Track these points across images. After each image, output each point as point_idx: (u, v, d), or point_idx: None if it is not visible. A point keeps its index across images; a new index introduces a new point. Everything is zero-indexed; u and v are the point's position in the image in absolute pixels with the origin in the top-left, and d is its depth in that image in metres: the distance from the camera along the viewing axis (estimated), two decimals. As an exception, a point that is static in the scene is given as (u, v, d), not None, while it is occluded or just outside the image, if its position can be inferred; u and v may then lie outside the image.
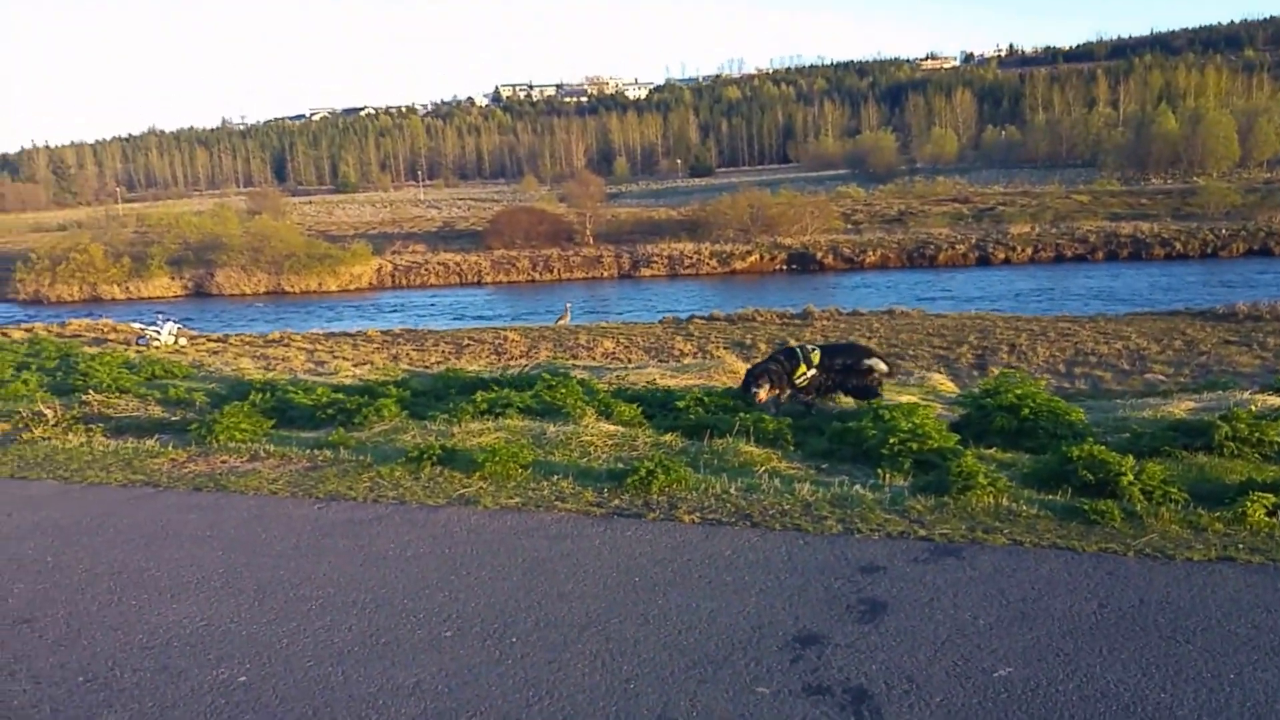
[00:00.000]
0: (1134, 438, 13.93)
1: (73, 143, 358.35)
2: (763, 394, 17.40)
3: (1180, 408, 18.12)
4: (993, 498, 10.77)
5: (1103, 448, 11.69)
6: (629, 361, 43.97)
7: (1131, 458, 11.37)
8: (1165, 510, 10.15)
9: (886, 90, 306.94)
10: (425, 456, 13.54)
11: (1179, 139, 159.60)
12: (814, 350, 18.43)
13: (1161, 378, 39.94)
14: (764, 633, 8.03)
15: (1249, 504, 9.97)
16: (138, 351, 44.81)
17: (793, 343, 21.57)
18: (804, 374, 17.95)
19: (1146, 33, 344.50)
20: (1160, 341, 49.56)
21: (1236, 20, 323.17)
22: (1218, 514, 10.05)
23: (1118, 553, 9.22)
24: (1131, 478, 10.78)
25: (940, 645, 7.62)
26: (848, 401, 18.44)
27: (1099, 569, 8.87)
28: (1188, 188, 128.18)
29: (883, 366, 18.95)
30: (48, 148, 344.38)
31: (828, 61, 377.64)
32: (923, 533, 10.01)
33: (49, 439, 17.11)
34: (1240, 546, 9.35)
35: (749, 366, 19.56)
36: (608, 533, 10.64)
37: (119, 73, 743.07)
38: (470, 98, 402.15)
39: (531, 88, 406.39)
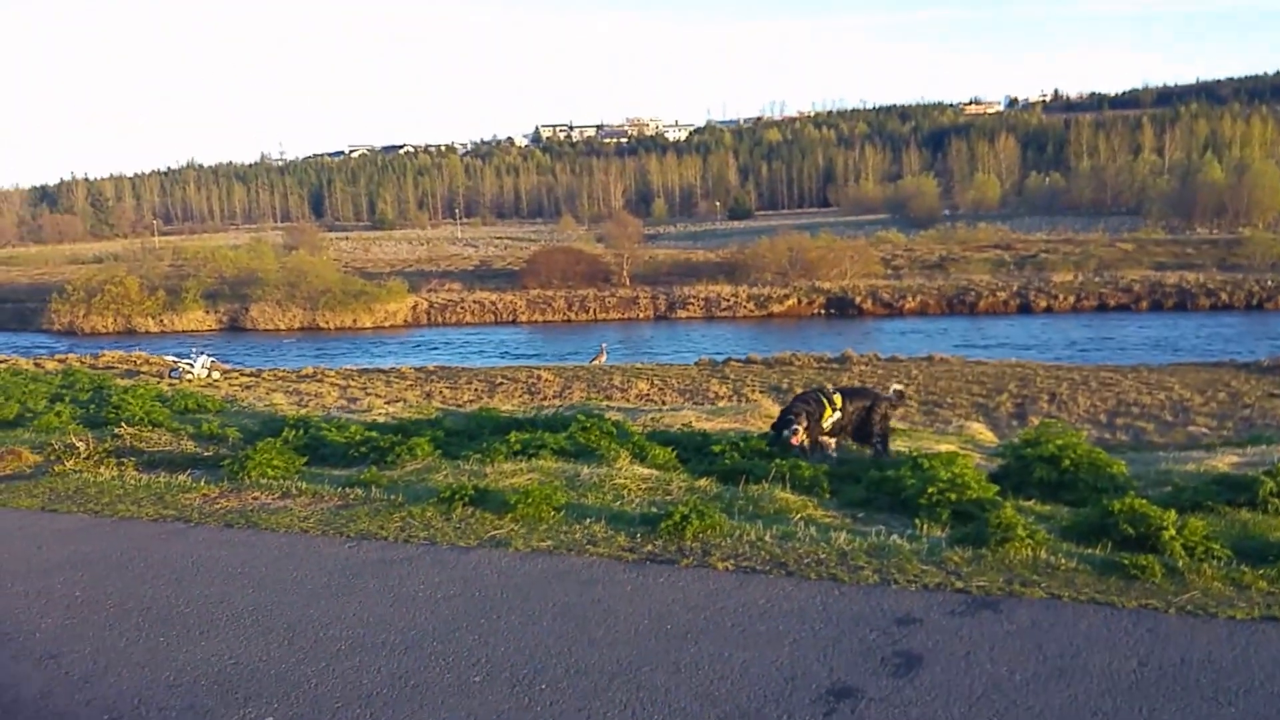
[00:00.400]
0: (1176, 492, 13.85)
1: (111, 175, 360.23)
2: (800, 436, 17.26)
3: (1224, 462, 18.04)
4: (1031, 550, 10.65)
5: (1144, 501, 11.60)
6: (663, 403, 44.00)
7: (1173, 512, 11.27)
8: (1208, 567, 10.03)
9: (929, 135, 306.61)
10: (457, 497, 13.50)
11: (1225, 188, 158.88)
12: (835, 394, 18.32)
13: (1205, 430, 39.74)
14: (797, 684, 7.98)
15: (1294, 562, 9.88)
16: (170, 384, 45.11)
17: (829, 386, 21.38)
18: (830, 418, 17.84)
19: (1193, 81, 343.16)
20: (1204, 393, 49.37)
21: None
22: (1262, 572, 9.89)
23: (1158, 609, 9.12)
24: (1173, 533, 10.69)
25: (976, 700, 7.56)
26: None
27: (1139, 626, 8.79)
28: (1233, 238, 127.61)
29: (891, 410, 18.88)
30: (86, 180, 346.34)
31: (869, 105, 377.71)
32: (960, 585, 9.91)
33: (81, 472, 17.15)
34: (1285, 606, 9.24)
35: (802, 396, 19.30)
36: (640, 579, 10.58)
37: (159, 106, 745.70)
38: (510, 137, 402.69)
39: (571, 128, 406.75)
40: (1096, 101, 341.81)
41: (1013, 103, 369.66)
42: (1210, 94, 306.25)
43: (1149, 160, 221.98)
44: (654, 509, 13.02)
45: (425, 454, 17.52)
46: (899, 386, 20.63)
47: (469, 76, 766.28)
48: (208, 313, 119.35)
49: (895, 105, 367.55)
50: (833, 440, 17.92)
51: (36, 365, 61.20)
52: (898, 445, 19.55)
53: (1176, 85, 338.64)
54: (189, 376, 60.81)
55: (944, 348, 74.68)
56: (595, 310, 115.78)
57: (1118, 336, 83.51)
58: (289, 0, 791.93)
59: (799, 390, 47.58)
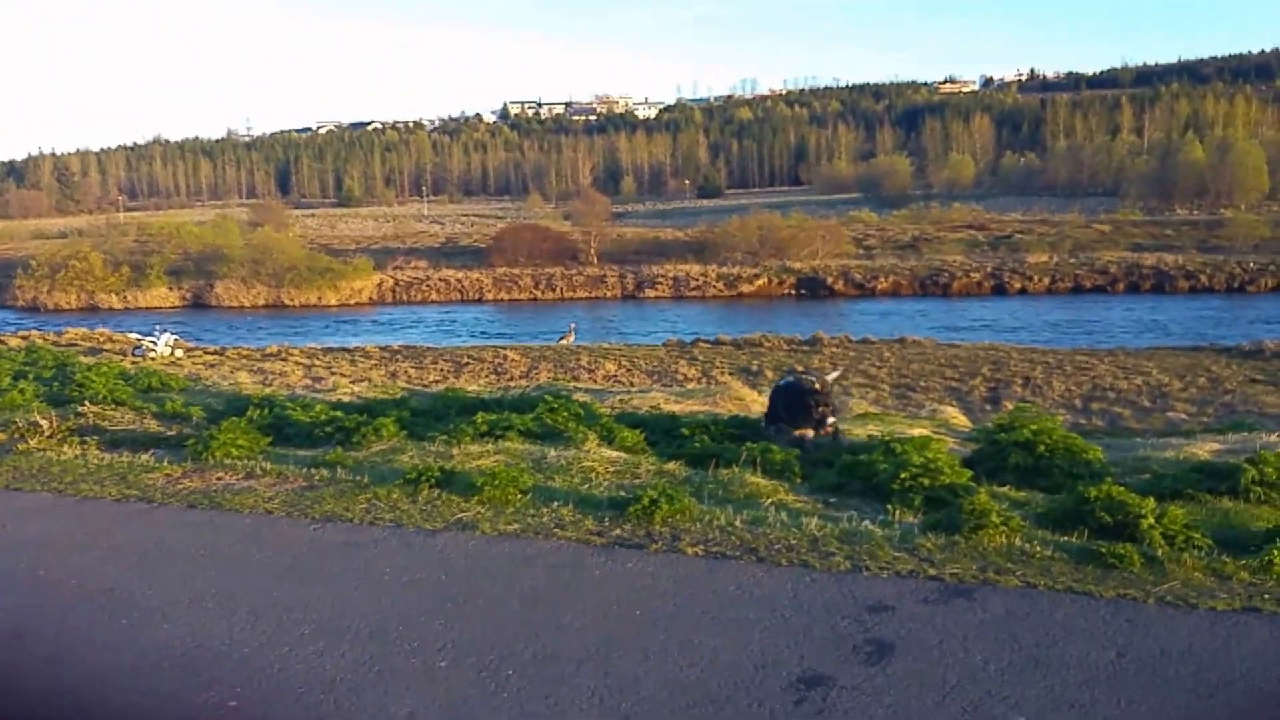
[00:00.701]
0: (1155, 479, 13.86)
1: (78, 150, 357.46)
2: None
3: (1204, 449, 18.08)
4: (1006, 537, 10.66)
5: (1121, 489, 11.60)
6: (631, 385, 44.00)
7: (1152, 500, 11.28)
8: (1188, 556, 10.03)
9: (902, 114, 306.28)
10: (423, 478, 13.50)
11: (1206, 169, 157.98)
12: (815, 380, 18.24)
13: (1184, 417, 39.72)
14: (768, 672, 7.96)
15: (1276, 552, 9.83)
16: (134, 362, 45.07)
17: (800, 369, 21.43)
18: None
19: (1174, 60, 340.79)
20: (1183, 378, 49.33)
21: (1268, 49, 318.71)
22: (1243, 562, 9.91)
23: (1137, 599, 9.10)
24: (1152, 521, 10.70)
25: (949, 690, 7.54)
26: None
27: (1117, 616, 8.77)
28: (1214, 219, 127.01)
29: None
30: (53, 155, 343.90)
31: (843, 83, 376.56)
32: (933, 572, 9.93)
33: (44, 450, 17.13)
34: (1267, 597, 9.21)
35: (808, 387, 18.98)
36: (608, 563, 10.59)
37: (126, 81, 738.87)
38: (478, 114, 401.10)
39: (540, 105, 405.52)
40: (1074, 81, 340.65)
41: (988, 82, 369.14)
42: (1192, 73, 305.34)
43: (1127, 140, 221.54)
44: (622, 492, 13.03)
45: (391, 435, 17.56)
46: (835, 374, 20.69)
47: (438, 53, 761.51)
48: (172, 289, 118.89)
49: (869, 84, 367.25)
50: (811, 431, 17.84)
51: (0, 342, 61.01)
52: (869, 429, 19.59)
53: (1157, 65, 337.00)
54: (152, 354, 60.60)
55: (917, 329, 74.59)
56: (562, 289, 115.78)
57: (1094, 319, 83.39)
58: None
59: (770, 373, 47.61)
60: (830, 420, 17.50)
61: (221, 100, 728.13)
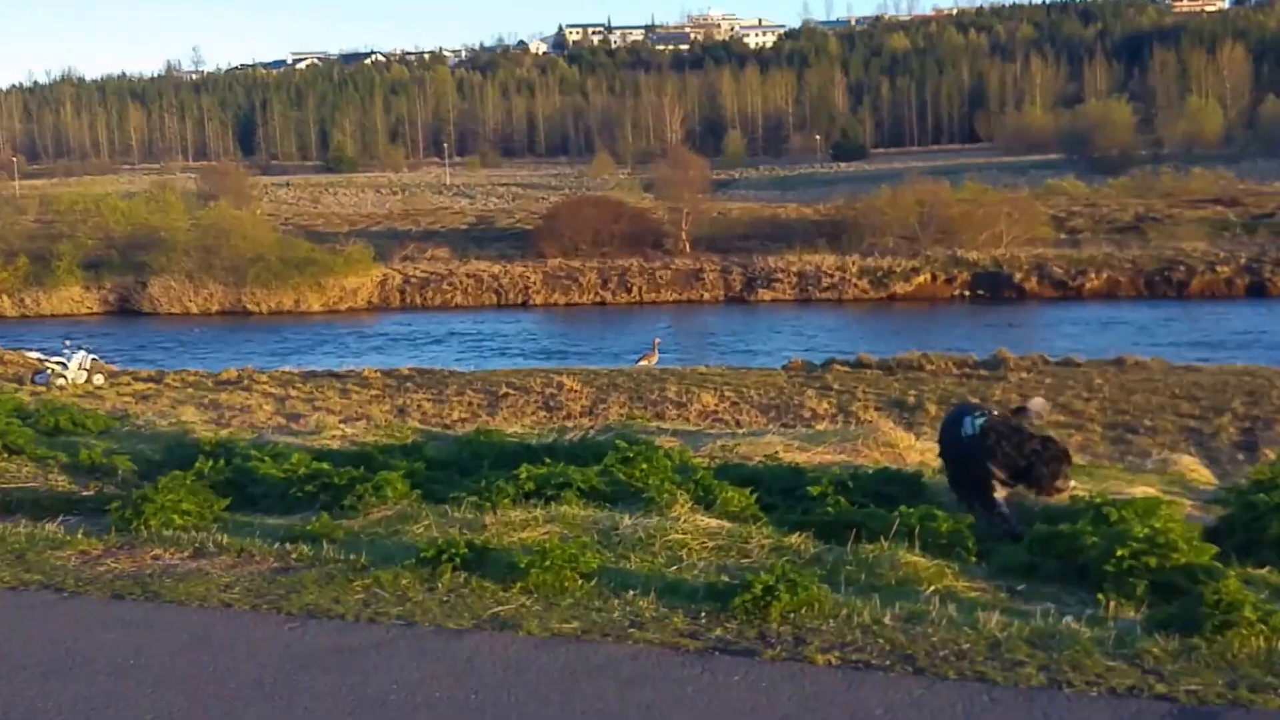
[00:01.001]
0: None
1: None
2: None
3: None
4: (1265, 640, 10.54)
5: None
6: (738, 425, 44.09)
7: None
8: None
9: (1121, 42, 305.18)
10: (445, 558, 13.48)
11: None
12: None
13: None
14: (929, 830, 7.98)
15: None
16: (34, 393, 45.41)
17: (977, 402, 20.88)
18: None
19: None
20: None
21: None
22: None
23: None
24: None
25: None
26: None
27: None
28: None
29: None
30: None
31: (1037, 0, 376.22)
32: (1162, 689, 9.80)
33: (-92, 519, 17.21)
34: None
35: (1043, 432, 18.63)
36: (705, 676, 10.52)
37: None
38: (522, 42, 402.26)
39: (610, 30, 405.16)
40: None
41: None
42: None
43: None
44: (725, 577, 13.02)
45: (398, 495, 17.54)
46: (1040, 401, 20.29)
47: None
48: (89, 289, 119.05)
49: (1074, 0, 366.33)
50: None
51: None
52: (1072, 487, 19.49)
53: None
54: (60, 381, 61.04)
55: (1140, 346, 74.15)
56: (640, 289, 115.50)
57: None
58: None
59: (933, 409, 47.51)
60: (1072, 484, 17.15)
61: (158, 23, 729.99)
